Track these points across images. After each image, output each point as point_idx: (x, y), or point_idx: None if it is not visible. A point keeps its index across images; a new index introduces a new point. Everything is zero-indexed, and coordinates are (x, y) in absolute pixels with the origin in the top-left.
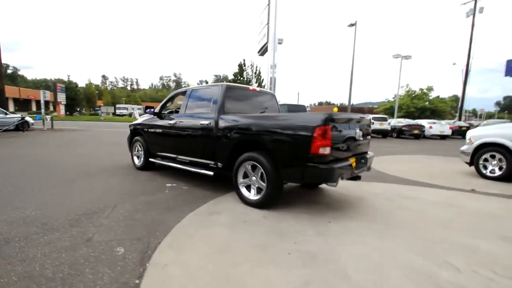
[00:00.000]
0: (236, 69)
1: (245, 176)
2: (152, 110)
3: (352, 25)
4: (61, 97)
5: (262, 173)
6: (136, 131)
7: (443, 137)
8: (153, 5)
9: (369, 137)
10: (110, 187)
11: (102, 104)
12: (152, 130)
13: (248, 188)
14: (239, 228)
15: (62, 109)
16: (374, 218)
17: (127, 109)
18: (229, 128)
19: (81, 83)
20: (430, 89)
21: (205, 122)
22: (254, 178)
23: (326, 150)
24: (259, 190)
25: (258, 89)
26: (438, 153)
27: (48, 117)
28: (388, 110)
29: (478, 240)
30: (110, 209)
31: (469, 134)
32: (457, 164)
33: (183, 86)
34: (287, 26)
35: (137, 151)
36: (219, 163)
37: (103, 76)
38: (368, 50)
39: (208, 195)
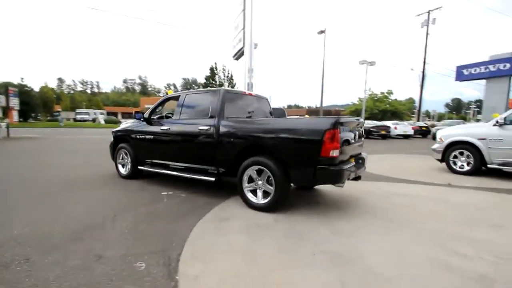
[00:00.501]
0: (207, 73)
1: (250, 180)
2: (141, 115)
3: (321, 32)
4: (14, 102)
5: (269, 177)
6: (121, 138)
7: (406, 136)
8: (113, 3)
9: (363, 138)
10: (101, 199)
11: (60, 109)
12: (141, 136)
13: (253, 192)
14: (255, 233)
15: (15, 115)
16: (375, 215)
17: (88, 114)
18: (233, 133)
19: (36, 87)
20: (390, 92)
21: (204, 127)
22: (260, 182)
23: (335, 153)
24: (265, 194)
25: (253, 93)
26: (406, 151)
27: (4, 124)
28: (354, 112)
29: (473, 230)
30: (110, 222)
31: (439, 134)
32: (429, 161)
33: (149, 89)
34: (260, 30)
35: (122, 159)
36: (220, 169)
37: (59, 79)
38: (332, 56)
39: (210, 202)
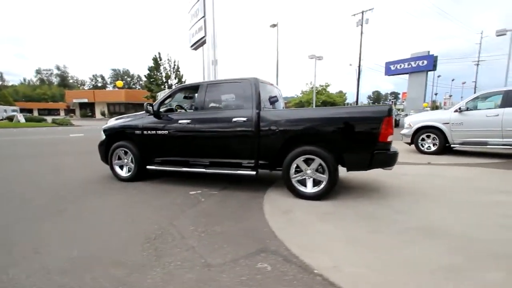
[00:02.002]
0: (141, 63)
1: (297, 170)
2: (151, 107)
3: (274, 25)
4: None
5: (319, 166)
6: (118, 135)
7: None
8: None
9: None
10: (130, 206)
11: None
12: (150, 132)
13: (300, 182)
14: (334, 221)
15: None
16: (409, 193)
17: None
18: (278, 124)
19: None
20: (327, 85)
21: (240, 119)
22: (309, 171)
23: (390, 138)
24: (316, 182)
25: (274, 83)
26: None
27: None
28: (298, 104)
29: (489, 195)
30: (174, 229)
31: (408, 120)
32: (399, 145)
33: (70, 81)
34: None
35: (120, 159)
36: (261, 161)
37: None
38: (284, 49)
39: (250, 196)
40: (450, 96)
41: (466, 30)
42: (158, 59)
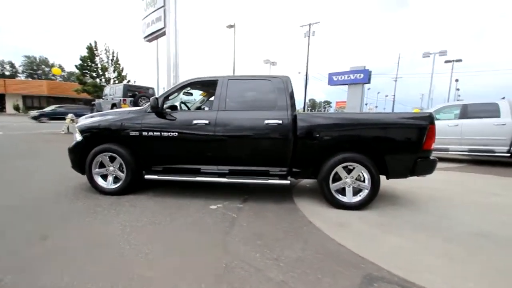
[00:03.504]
0: (63, 50)
1: (334, 179)
2: (153, 103)
3: (231, 26)
4: None
5: (360, 174)
6: (102, 137)
7: None
8: None
9: None
10: (149, 233)
11: None
12: (152, 133)
13: (337, 191)
14: (396, 232)
15: None
16: (426, 198)
17: None
18: (318, 127)
19: None
20: None
21: (274, 121)
22: (348, 180)
23: (433, 145)
24: (357, 191)
25: None
26: None
27: None
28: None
29: (487, 198)
30: (234, 260)
31: None
32: None
33: None
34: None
35: (103, 167)
36: (294, 169)
37: None
38: (241, 52)
39: (281, 207)
40: (376, 107)
41: (388, 50)
42: (94, 48)
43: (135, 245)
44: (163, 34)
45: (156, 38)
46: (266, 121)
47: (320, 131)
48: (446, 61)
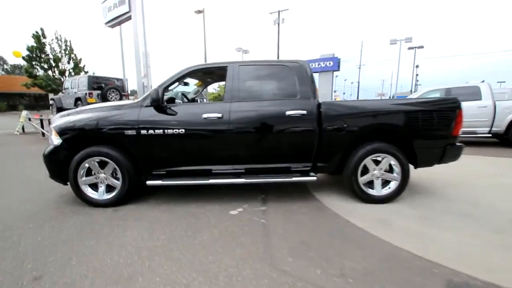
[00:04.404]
0: (25, 41)
1: (363, 172)
2: (154, 95)
3: (199, 11)
4: None
5: (390, 165)
6: (88, 138)
7: None
8: None
9: None
10: (173, 251)
11: None
12: (153, 131)
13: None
14: (442, 225)
15: None
16: (445, 184)
17: None
18: (345, 117)
19: None
20: None
21: (297, 112)
22: (376, 172)
23: (460, 131)
24: (385, 183)
25: None
26: None
27: None
28: (216, 98)
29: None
30: (290, 279)
31: None
32: None
33: None
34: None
35: (93, 174)
36: (319, 163)
37: None
38: (212, 39)
39: (306, 205)
40: (344, 93)
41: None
42: (42, 37)
43: (166, 275)
44: (128, 18)
45: (120, 23)
46: (288, 112)
47: (348, 121)
48: (409, 48)
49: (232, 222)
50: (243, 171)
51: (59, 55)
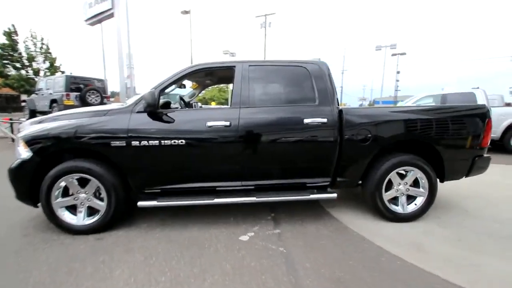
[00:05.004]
0: None
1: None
2: (150, 99)
3: (186, 12)
4: None
5: (416, 179)
6: (63, 150)
7: None
8: None
9: None
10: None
11: None
12: (147, 142)
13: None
14: (478, 246)
15: None
16: (463, 198)
17: None
18: (369, 126)
19: None
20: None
21: (317, 120)
22: (401, 187)
23: (489, 142)
24: (409, 198)
25: None
26: None
27: None
28: (201, 100)
29: None
30: None
31: None
32: None
33: None
34: None
35: (71, 194)
36: (339, 178)
37: None
38: (198, 42)
39: (328, 226)
40: None
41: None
42: (14, 34)
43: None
44: (111, 16)
45: (101, 21)
46: (306, 120)
47: (373, 130)
48: (393, 54)
49: (246, 251)
50: (252, 187)
51: (34, 53)
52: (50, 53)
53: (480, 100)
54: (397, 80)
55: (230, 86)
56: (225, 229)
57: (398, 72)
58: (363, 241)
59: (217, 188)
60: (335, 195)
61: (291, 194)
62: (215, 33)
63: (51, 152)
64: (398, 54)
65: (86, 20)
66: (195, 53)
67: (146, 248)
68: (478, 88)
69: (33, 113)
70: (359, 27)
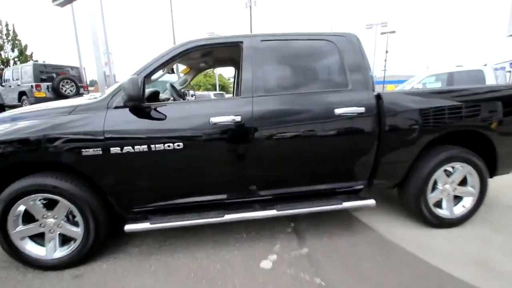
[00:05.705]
0: None
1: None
2: (131, 89)
3: None
4: None
5: (465, 177)
6: (20, 163)
7: None
8: None
9: None
10: None
11: None
12: (130, 148)
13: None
14: None
15: None
16: None
17: None
18: (414, 114)
19: None
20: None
21: (351, 109)
22: (447, 186)
23: None
24: (454, 199)
25: None
26: None
27: None
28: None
29: None
30: None
31: None
32: None
33: None
34: None
35: (36, 220)
36: (377, 180)
37: None
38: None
39: (365, 239)
40: None
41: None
42: None
43: None
44: None
45: (71, 1)
46: (338, 110)
47: (420, 119)
48: (382, 33)
49: (266, 281)
50: (270, 197)
51: (0, 41)
52: (18, 40)
53: (489, 79)
54: (385, 60)
55: (223, 69)
56: (239, 251)
57: (386, 52)
58: (417, 262)
59: (226, 201)
60: (373, 202)
61: (318, 203)
62: (199, 14)
63: (1, 165)
64: (388, 32)
65: (54, 1)
66: (178, 36)
67: (145, 286)
68: (486, 65)
69: (1, 108)
70: (348, 5)
